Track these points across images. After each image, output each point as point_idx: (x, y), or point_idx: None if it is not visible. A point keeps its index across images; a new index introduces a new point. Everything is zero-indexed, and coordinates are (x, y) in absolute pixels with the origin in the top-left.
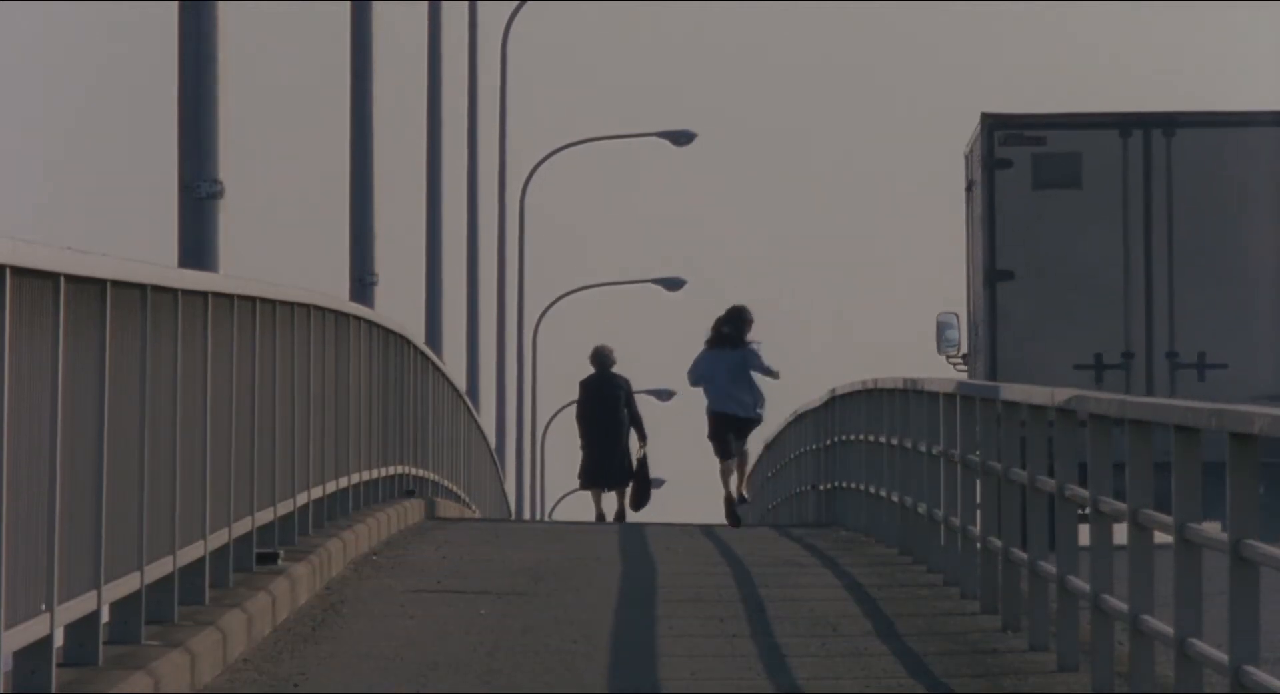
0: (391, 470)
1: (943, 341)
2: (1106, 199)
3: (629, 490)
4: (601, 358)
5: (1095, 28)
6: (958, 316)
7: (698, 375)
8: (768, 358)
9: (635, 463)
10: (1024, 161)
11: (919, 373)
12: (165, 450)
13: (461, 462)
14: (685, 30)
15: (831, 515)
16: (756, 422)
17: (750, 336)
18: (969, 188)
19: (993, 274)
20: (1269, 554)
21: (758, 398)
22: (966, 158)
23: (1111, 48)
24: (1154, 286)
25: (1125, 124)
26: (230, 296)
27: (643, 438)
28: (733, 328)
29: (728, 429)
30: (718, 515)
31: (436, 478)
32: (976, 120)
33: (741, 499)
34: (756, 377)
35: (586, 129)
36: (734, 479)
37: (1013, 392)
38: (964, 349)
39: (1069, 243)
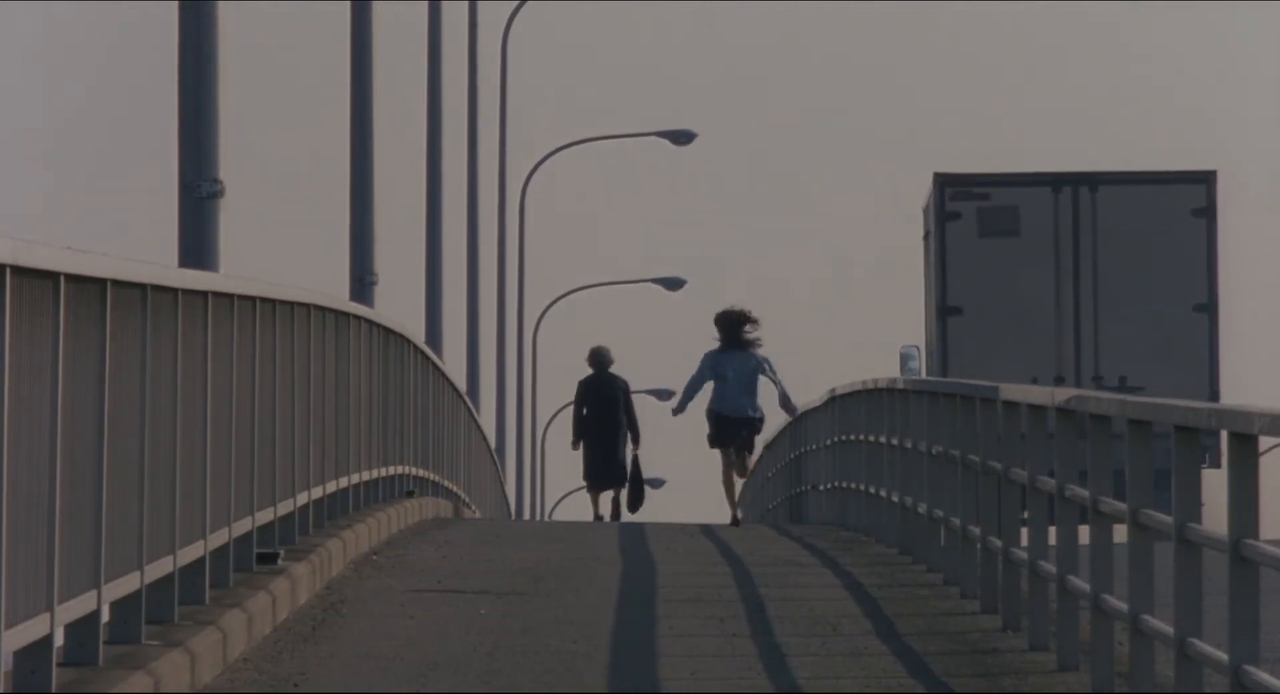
0: (391, 470)
1: (906, 371)
2: (1041, 246)
3: (624, 492)
4: (599, 358)
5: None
6: (918, 348)
7: (707, 375)
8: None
9: (628, 465)
10: (970, 214)
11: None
12: (165, 450)
13: (461, 462)
14: (685, 30)
15: (831, 515)
16: (762, 421)
17: (753, 338)
18: (925, 236)
19: (944, 310)
20: (1269, 554)
21: (759, 402)
22: (924, 211)
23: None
24: (1081, 320)
25: (1057, 182)
26: (230, 296)
27: (636, 440)
28: (746, 331)
29: (737, 430)
30: (717, 515)
31: (436, 478)
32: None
33: (735, 521)
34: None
35: (586, 129)
36: (736, 489)
37: (1013, 392)
38: (923, 375)
39: (1009, 283)
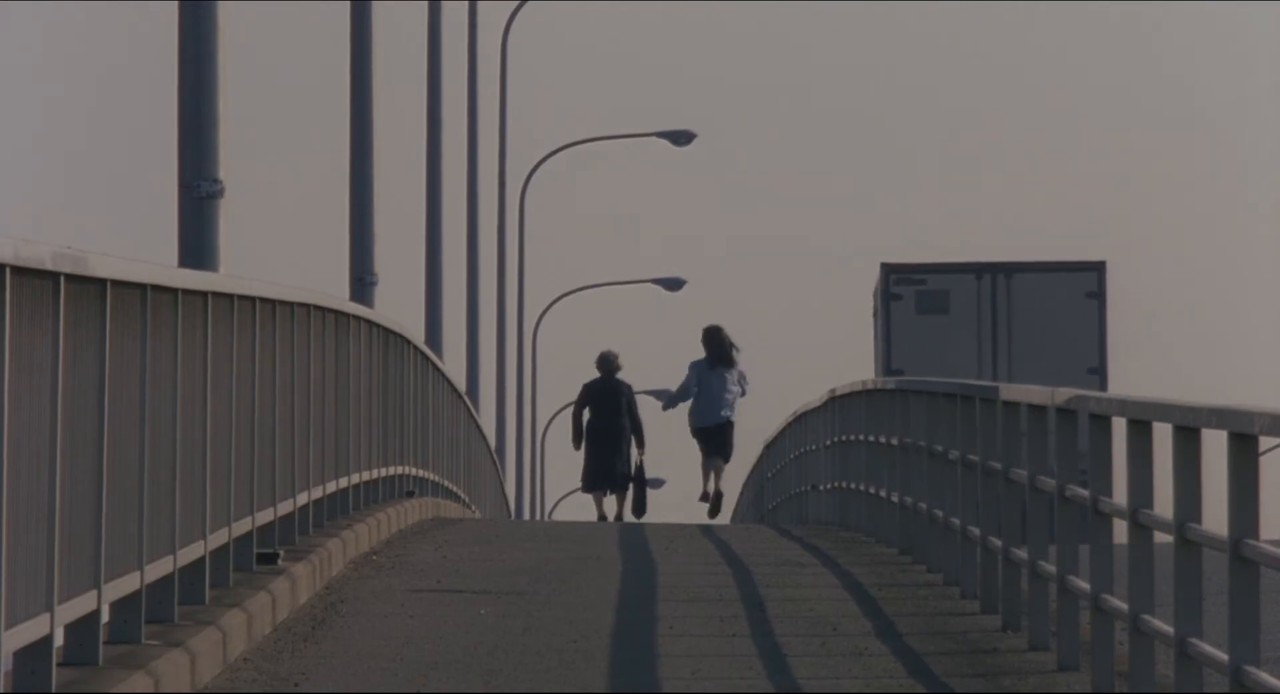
0: (391, 470)
1: None
2: (966, 321)
3: (629, 497)
4: (607, 363)
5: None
6: None
7: (693, 386)
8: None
9: (633, 469)
10: (910, 296)
11: None
12: (165, 450)
13: (461, 462)
14: (685, 30)
15: (832, 515)
16: (732, 425)
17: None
18: (874, 314)
19: (889, 372)
20: (1269, 554)
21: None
22: (874, 294)
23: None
24: (998, 380)
25: (979, 270)
26: (230, 296)
27: (641, 445)
28: (722, 347)
29: (713, 437)
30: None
31: (436, 478)
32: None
33: (719, 493)
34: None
35: (586, 129)
36: (713, 479)
37: (1012, 391)
38: None
39: (941, 351)
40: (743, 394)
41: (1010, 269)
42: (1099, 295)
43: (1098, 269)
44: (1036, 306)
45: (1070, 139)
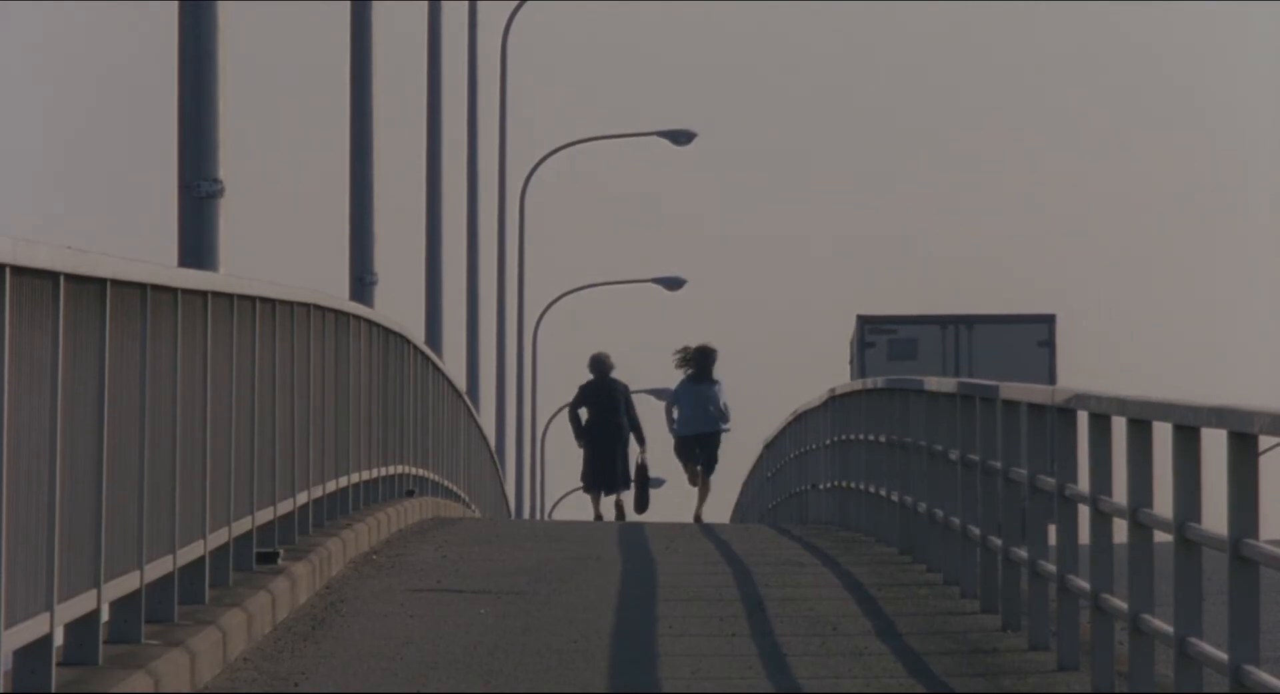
0: (391, 470)
1: None
2: (932, 367)
3: (631, 495)
4: (599, 365)
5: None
6: None
7: (674, 401)
8: (727, 401)
9: (636, 467)
10: (882, 344)
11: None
12: (165, 450)
13: (461, 462)
14: (685, 30)
15: (832, 514)
16: (718, 434)
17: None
18: (850, 361)
19: None
20: (1269, 554)
21: (718, 417)
22: (850, 343)
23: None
24: None
25: (943, 322)
26: (230, 296)
27: (641, 442)
28: (708, 364)
29: (694, 447)
30: (715, 515)
31: (436, 478)
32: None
33: (698, 520)
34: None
35: (586, 129)
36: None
37: (1012, 391)
38: None
39: None
40: (726, 420)
41: (971, 321)
42: (1049, 344)
43: (1048, 321)
44: (994, 354)
45: (1069, 141)
